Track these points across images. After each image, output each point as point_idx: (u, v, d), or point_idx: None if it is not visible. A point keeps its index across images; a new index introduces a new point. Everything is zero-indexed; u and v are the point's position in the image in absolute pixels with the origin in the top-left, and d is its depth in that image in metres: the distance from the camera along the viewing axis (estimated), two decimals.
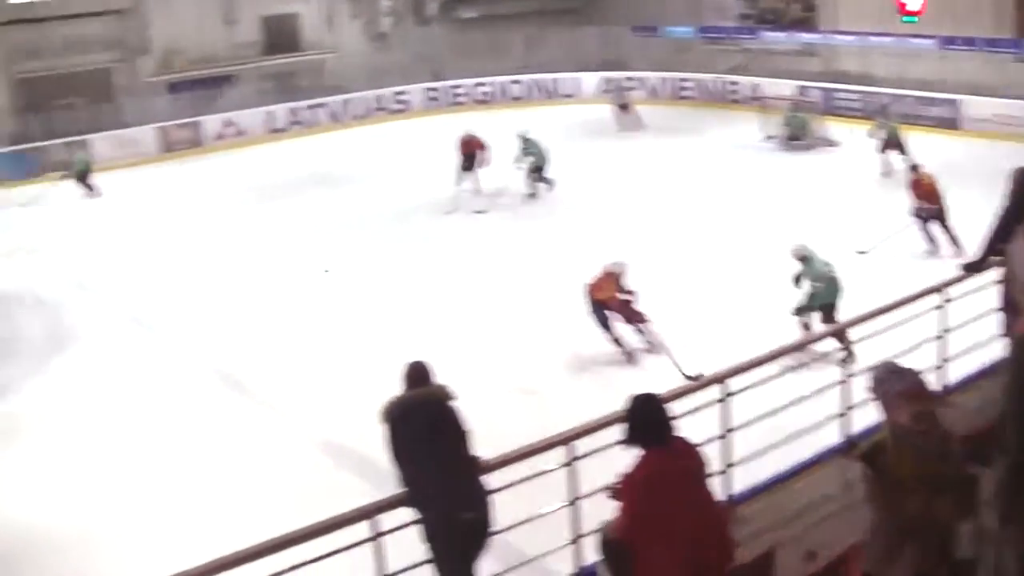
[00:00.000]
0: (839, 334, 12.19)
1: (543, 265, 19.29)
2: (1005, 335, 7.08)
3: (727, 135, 30.71)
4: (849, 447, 8.15)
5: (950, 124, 29.15)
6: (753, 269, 17.80)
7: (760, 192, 23.88)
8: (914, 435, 5.33)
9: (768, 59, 35.42)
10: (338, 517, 6.48)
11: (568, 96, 39.30)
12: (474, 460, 7.01)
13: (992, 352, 8.19)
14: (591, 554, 6.81)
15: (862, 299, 11.15)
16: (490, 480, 7.02)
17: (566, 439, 7.06)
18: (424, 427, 6.97)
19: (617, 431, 6.11)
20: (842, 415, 8.39)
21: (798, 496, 7.93)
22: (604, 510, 6.24)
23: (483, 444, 7.13)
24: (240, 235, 23.70)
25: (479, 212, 23.74)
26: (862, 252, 18.34)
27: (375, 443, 7.35)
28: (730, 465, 7.72)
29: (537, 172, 24.62)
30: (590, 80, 39.00)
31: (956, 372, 9.23)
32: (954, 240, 18.04)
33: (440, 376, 7.30)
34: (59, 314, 18.94)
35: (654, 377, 12.80)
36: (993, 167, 11.52)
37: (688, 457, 6.00)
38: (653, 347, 14.80)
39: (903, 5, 31.86)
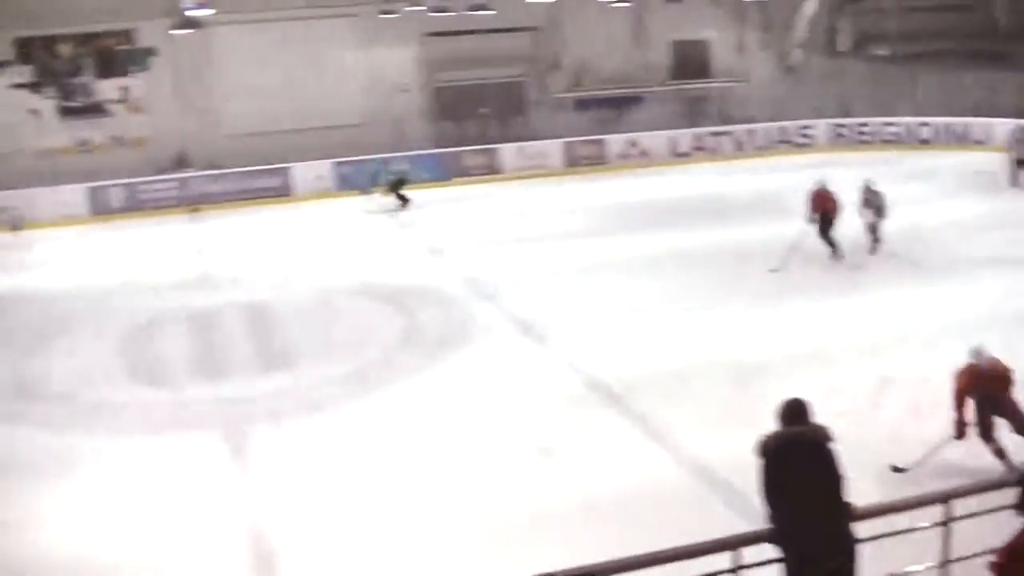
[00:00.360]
0: None
1: (899, 328, 17.99)
2: None
3: None
4: None
5: None
6: None
7: None
8: None
9: None
10: (700, 544, 6.61)
11: (978, 143, 37.30)
12: (846, 505, 6.97)
13: None
14: None
15: None
16: (859, 528, 6.95)
17: (944, 497, 6.89)
18: (798, 465, 6.99)
19: (1001, 496, 5.93)
20: None
21: None
22: None
23: (855, 491, 7.06)
24: (637, 255, 23.97)
25: (847, 269, 22.26)
26: None
27: (748, 475, 7.42)
28: None
29: (875, 226, 22.98)
30: (1004, 128, 36.88)
31: None
32: None
33: (817, 417, 7.29)
34: (455, 314, 19.92)
35: None
36: None
37: None
38: None
39: None
